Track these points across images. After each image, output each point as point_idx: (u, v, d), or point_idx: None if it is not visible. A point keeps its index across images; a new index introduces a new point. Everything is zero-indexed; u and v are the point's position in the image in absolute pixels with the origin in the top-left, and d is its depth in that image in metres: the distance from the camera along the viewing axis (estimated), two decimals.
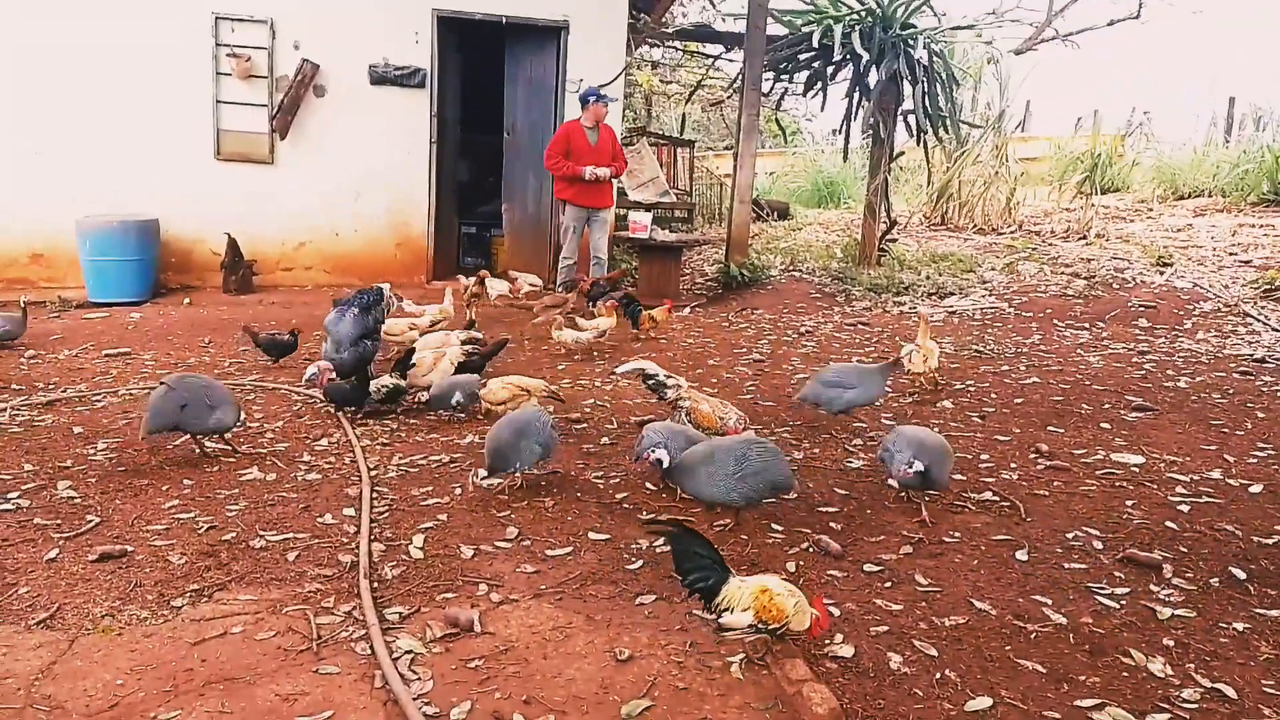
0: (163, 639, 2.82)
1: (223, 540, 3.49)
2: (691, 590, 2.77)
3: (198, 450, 4.40)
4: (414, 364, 5.20)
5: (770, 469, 3.61)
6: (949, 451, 3.87)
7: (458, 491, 4.03)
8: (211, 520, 3.67)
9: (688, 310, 8.75)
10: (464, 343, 5.68)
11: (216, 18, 8.82)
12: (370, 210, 9.54)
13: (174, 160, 8.98)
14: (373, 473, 4.23)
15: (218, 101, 9.00)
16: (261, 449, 4.53)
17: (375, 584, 3.18)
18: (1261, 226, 10.80)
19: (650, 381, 4.59)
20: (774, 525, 3.73)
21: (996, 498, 4.10)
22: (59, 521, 3.62)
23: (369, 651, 2.76)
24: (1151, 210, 12.45)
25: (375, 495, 3.97)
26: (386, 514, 3.80)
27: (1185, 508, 3.99)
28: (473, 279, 8.00)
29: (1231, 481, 4.31)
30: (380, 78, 9.24)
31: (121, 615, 2.95)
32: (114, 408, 5.11)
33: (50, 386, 5.49)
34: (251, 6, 8.88)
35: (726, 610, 2.68)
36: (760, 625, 2.65)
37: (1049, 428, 5.14)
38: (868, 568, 3.39)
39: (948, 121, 10.01)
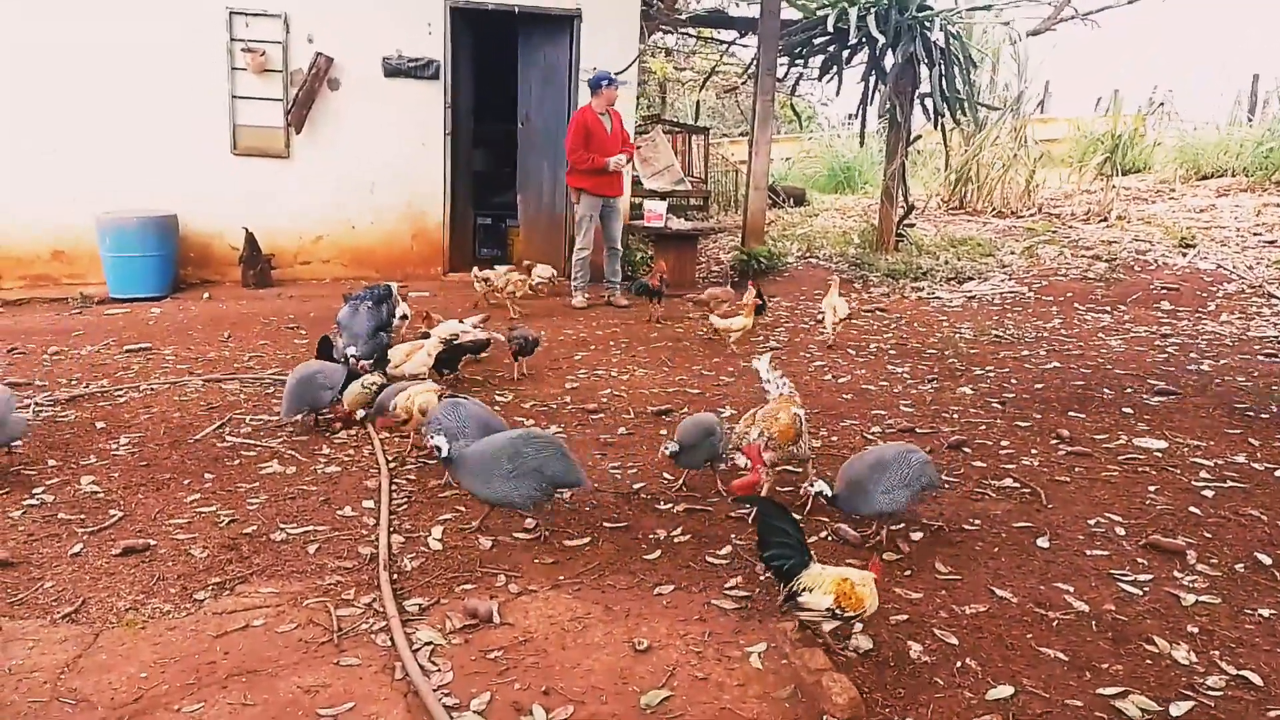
0: (185, 632, 2.85)
1: (244, 534, 3.52)
2: (769, 566, 2.74)
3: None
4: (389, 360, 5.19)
5: (549, 465, 3.40)
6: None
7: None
8: (233, 514, 3.70)
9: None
10: (445, 340, 5.48)
11: (231, 13, 8.84)
12: (386, 202, 9.55)
13: (191, 156, 9.02)
14: (391, 465, 4.24)
15: (233, 97, 9.03)
16: (281, 442, 4.55)
17: (395, 576, 3.20)
18: None
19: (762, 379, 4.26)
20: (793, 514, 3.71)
21: (1017, 484, 4.07)
22: (83, 516, 3.66)
23: (389, 643, 2.77)
24: (1174, 191, 12.29)
25: (394, 487, 3.99)
26: (405, 506, 3.81)
27: (1209, 493, 3.94)
28: (505, 276, 7.70)
29: (1256, 466, 4.26)
30: (394, 70, 9.23)
31: (145, 609, 2.99)
32: (135, 403, 5.16)
33: (73, 382, 5.55)
34: (265, 1, 8.89)
35: (806, 591, 2.66)
36: (838, 611, 2.65)
37: (1070, 413, 5.09)
38: (887, 556, 3.37)
39: (965, 104, 9.91)
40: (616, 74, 8.91)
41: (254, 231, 8.97)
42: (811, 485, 3.42)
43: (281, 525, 3.60)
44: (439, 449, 3.47)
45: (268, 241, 9.15)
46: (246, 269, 9.00)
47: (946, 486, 3.84)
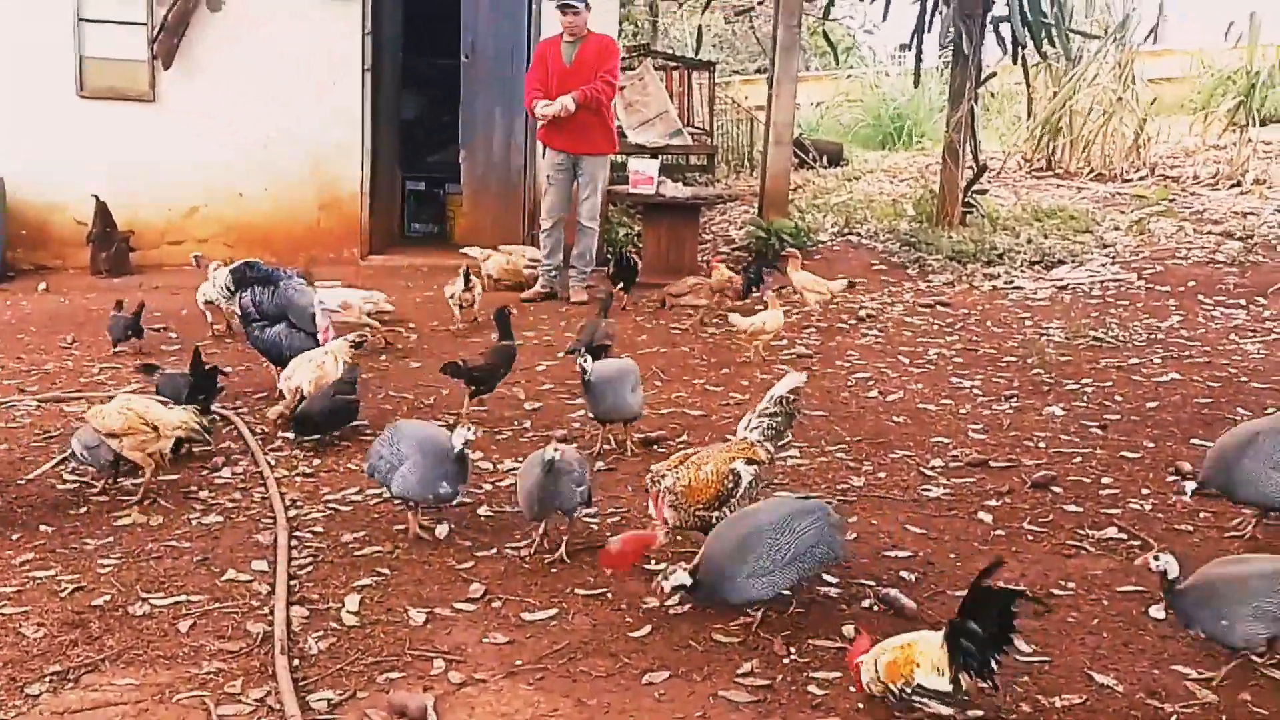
0: None
1: (93, 606, 3.49)
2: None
3: None
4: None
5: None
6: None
7: (401, 533, 4.03)
8: (78, 580, 3.67)
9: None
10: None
11: None
12: (285, 162, 9.53)
13: (22, 99, 8.98)
14: (291, 513, 4.22)
15: (79, 19, 9.00)
16: (142, 483, 4.53)
17: (296, 661, 3.18)
18: None
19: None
20: (826, 576, 3.73)
21: (1123, 536, 4.09)
22: None
23: None
24: None
25: (295, 543, 3.97)
26: (310, 568, 3.80)
27: None
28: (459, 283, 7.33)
29: None
30: None
31: None
32: None
33: None
34: None
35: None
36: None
37: (1193, 440, 5.13)
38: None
39: (1053, 31, 9.99)
40: None
41: (107, 201, 8.94)
42: (667, 578, 3.31)
43: (144, 595, 3.57)
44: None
45: (127, 215, 9.12)
46: (97, 250, 8.97)
47: (843, 561, 3.68)
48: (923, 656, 2.77)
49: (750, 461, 3.81)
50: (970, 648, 2.73)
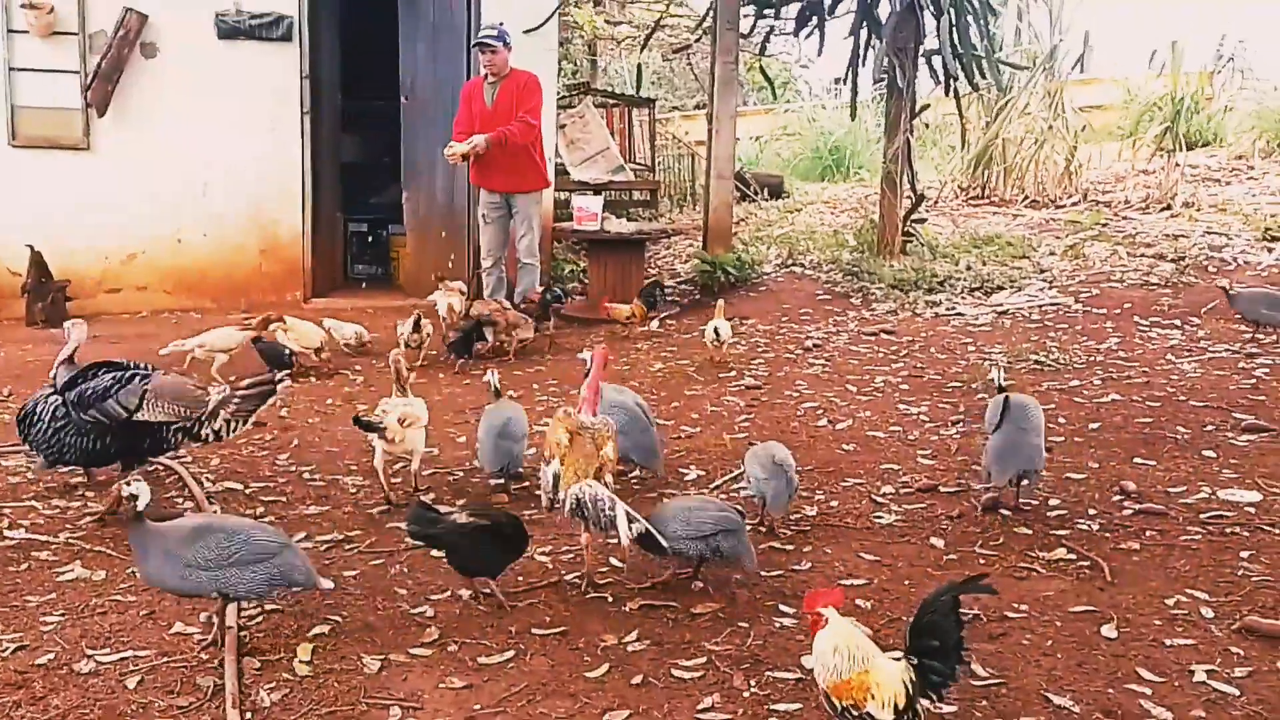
0: None
1: (36, 665, 3.41)
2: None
3: None
4: None
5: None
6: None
7: (353, 579, 3.98)
8: (20, 638, 3.58)
9: (655, 323, 8.76)
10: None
11: None
12: (224, 207, 9.45)
13: None
14: None
15: (10, 69, 8.89)
16: (84, 536, 4.44)
17: (249, 715, 3.13)
18: None
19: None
20: (782, 606, 3.74)
21: (1072, 555, 4.14)
22: None
23: None
24: (1253, 168, 12.73)
25: None
26: (260, 618, 3.74)
27: None
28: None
29: None
30: (232, 30, 9.20)
31: None
32: None
33: None
34: None
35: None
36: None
37: (1135, 459, 5.22)
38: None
39: (984, 63, 10.18)
40: (526, 30, 8.99)
41: (42, 250, 8.80)
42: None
43: (89, 651, 3.50)
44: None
45: (62, 263, 8.98)
46: (33, 301, 8.82)
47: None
48: (878, 689, 2.70)
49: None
50: (937, 665, 2.72)
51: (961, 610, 2.80)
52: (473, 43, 8.35)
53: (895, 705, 2.68)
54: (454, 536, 3.73)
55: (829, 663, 2.77)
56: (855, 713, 2.72)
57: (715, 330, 7.29)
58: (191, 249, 9.47)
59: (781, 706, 3.12)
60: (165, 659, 3.46)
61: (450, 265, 9.59)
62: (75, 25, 8.93)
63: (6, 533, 4.47)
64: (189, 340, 6.91)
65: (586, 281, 9.56)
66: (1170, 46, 13.65)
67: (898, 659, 2.79)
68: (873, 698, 2.71)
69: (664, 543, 3.69)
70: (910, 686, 2.71)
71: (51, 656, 3.47)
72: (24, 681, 3.32)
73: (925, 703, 2.76)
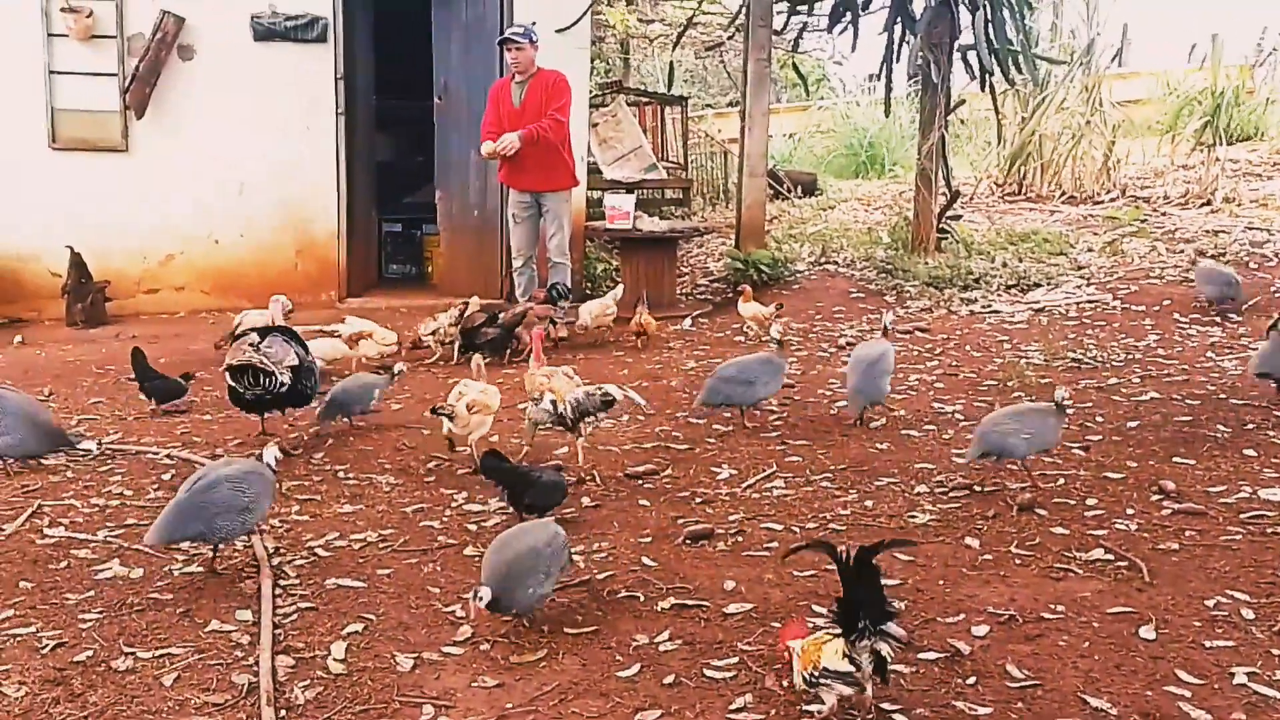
0: None
1: (75, 662, 3.45)
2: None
3: None
4: None
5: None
6: None
7: (387, 577, 4.00)
8: (59, 635, 3.63)
9: (688, 322, 8.75)
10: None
11: None
12: (260, 208, 9.54)
13: None
14: (274, 560, 4.19)
15: (51, 72, 9.01)
16: (122, 534, 4.48)
17: (283, 712, 3.15)
18: None
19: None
20: (815, 606, 3.72)
21: (1110, 556, 4.09)
22: None
23: None
24: None
25: (279, 591, 3.93)
26: (295, 616, 3.76)
27: None
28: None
29: None
30: (267, 32, 9.28)
31: None
32: None
33: None
34: None
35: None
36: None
37: (1175, 459, 5.15)
38: (943, 658, 3.37)
39: (1020, 57, 10.10)
40: (559, 30, 9.00)
41: (82, 252, 8.92)
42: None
43: (127, 649, 3.53)
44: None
45: (101, 264, 9.09)
46: (73, 301, 8.93)
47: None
48: (828, 646, 2.98)
49: None
50: (861, 615, 2.93)
51: (877, 569, 3.01)
52: (503, 39, 8.35)
53: (839, 653, 2.96)
54: (514, 477, 4.46)
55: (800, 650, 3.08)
56: (816, 672, 2.98)
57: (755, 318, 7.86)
58: (228, 249, 9.56)
59: (814, 707, 3.10)
60: (201, 657, 3.49)
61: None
62: (113, 29, 9.04)
63: (46, 531, 4.53)
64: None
65: (621, 279, 9.56)
66: (1210, 39, 13.49)
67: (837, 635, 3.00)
68: (824, 653, 2.98)
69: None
70: (848, 643, 2.96)
71: (90, 654, 3.51)
72: (63, 678, 3.36)
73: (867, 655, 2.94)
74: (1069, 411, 5.00)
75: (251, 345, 5.41)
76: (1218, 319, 7.95)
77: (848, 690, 2.97)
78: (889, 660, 2.95)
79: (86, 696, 3.26)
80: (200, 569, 4.16)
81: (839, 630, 2.98)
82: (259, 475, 4.10)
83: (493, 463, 4.49)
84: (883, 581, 3.01)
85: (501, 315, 7.56)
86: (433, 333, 7.52)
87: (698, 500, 4.83)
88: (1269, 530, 4.28)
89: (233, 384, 5.44)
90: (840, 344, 7.82)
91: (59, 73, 9.03)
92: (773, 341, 6.11)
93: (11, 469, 5.20)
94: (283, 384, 5.36)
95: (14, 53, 8.91)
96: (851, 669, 2.93)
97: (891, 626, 2.95)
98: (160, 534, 3.92)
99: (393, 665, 3.41)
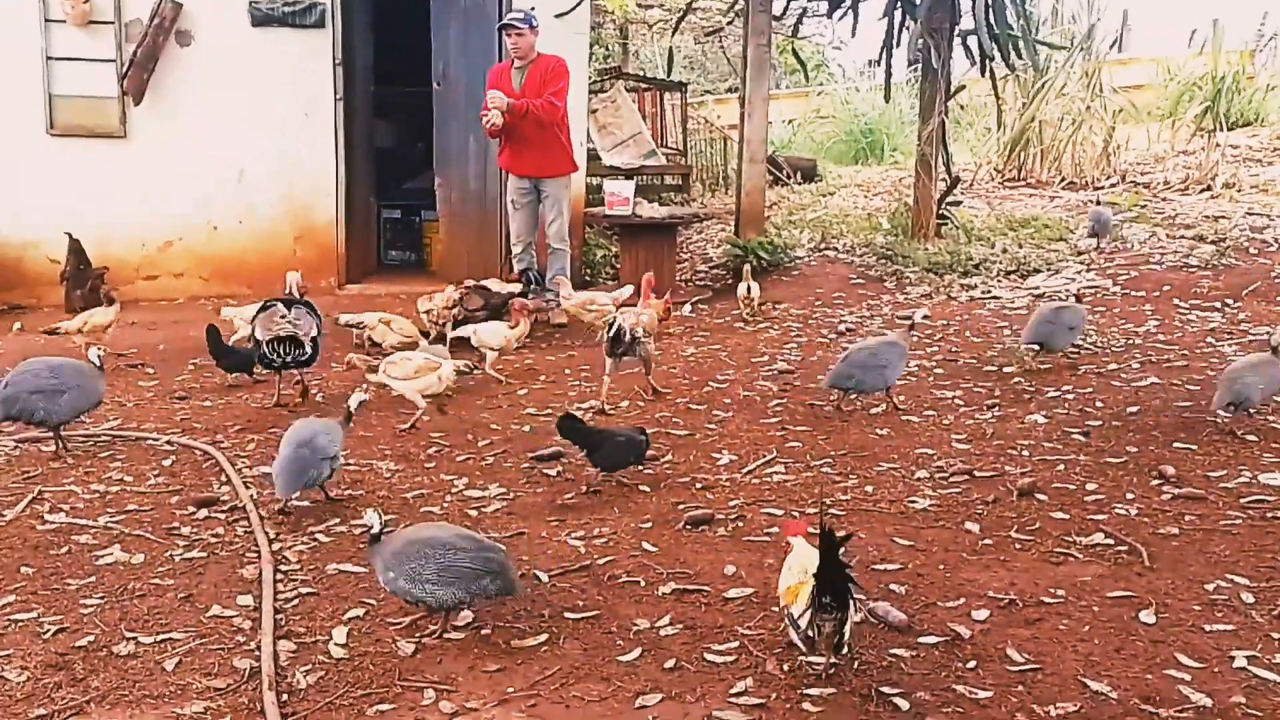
0: None
1: (77, 647, 3.46)
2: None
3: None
4: None
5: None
6: None
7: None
8: (60, 620, 3.63)
9: (688, 308, 8.75)
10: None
11: None
12: (259, 194, 9.53)
13: None
14: (275, 546, 4.19)
15: (48, 58, 8.98)
16: (123, 520, 4.49)
17: (285, 696, 3.15)
18: None
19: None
20: None
21: (1110, 540, 4.10)
22: None
23: None
24: None
25: (280, 576, 3.94)
26: (296, 601, 3.77)
27: None
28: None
29: None
30: (265, 17, 9.24)
31: None
32: None
33: None
34: None
35: None
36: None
37: (1175, 444, 5.15)
38: (943, 642, 3.38)
39: (1020, 43, 10.07)
40: (557, 15, 8.97)
41: (81, 238, 8.90)
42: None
43: (128, 634, 3.54)
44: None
45: (100, 251, 9.08)
46: (72, 288, 8.92)
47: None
48: (801, 597, 3.14)
49: None
50: (824, 598, 3.04)
51: (844, 558, 3.04)
52: (504, 23, 8.32)
53: (805, 609, 3.12)
54: (589, 437, 4.74)
55: (786, 573, 3.31)
56: (787, 612, 3.21)
57: (748, 289, 8.12)
58: (227, 236, 9.55)
59: (814, 691, 3.11)
60: (202, 641, 3.50)
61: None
62: (111, 14, 9.01)
63: (47, 517, 4.54)
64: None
65: (620, 265, 9.56)
66: (1211, 25, 13.46)
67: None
68: (795, 602, 3.16)
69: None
70: (812, 600, 3.08)
71: (91, 639, 3.51)
72: (65, 663, 3.37)
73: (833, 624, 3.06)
74: None
75: (283, 317, 6.00)
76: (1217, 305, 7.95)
77: (800, 644, 3.17)
78: (846, 639, 3.09)
79: (88, 681, 3.27)
80: (202, 554, 4.17)
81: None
82: (338, 428, 4.66)
83: (569, 424, 4.71)
84: (848, 571, 3.04)
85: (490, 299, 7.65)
86: (426, 312, 7.53)
87: (698, 486, 4.83)
88: (1269, 515, 4.29)
89: (268, 354, 6.00)
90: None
91: (56, 58, 9.00)
92: (910, 324, 6.11)
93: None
94: (306, 354, 6.04)
95: (11, 38, 8.89)
96: (812, 635, 3.10)
97: (852, 610, 3.08)
98: (286, 488, 4.43)
99: (394, 650, 3.42)
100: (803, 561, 3.23)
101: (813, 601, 3.04)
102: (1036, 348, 6.41)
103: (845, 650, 3.14)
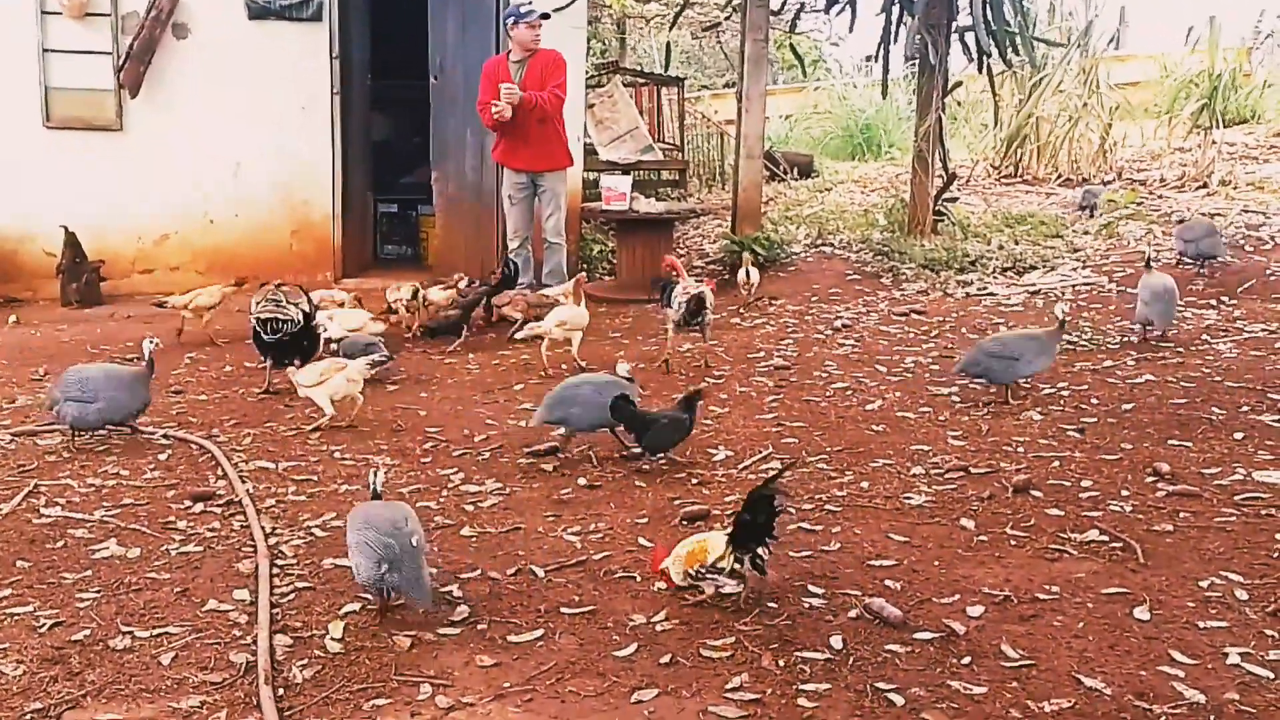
0: None
1: (73, 641, 3.45)
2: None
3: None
4: None
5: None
6: None
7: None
8: (56, 614, 3.63)
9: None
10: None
11: None
12: (255, 188, 9.51)
13: None
14: (271, 541, 4.19)
15: (44, 50, 8.96)
16: (119, 514, 4.48)
17: (281, 691, 3.16)
18: None
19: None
20: (811, 586, 3.73)
21: (1105, 537, 4.11)
22: None
23: None
24: None
25: (277, 570, 3.94)
26: (293, 595, 3.77)
27: None
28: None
29: None
30: (262, 10, 9.23)
31: None
32: None
33: None
34: None
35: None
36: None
37: (1170, 441, 5.17)
38: (938, 638, 3.39)
39: (1018, 39, 10.07)
40: (555, 10, 8.95)
41: (76, 231, 8.89)
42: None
43: (124, 628, 3.54)
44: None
45: (96, 244, 9.07)
46: (68, 281, 8.91)
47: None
48: (714, 547, 3.53)
49: None
50: (745, 536, 3.51)
51: (774, 500, 3.51)
52: (520, 15, 8.22)
53: (723, 556, 3.52)
54: (638, 420, 4.93)
55: (677, 556, 3.61)
56: (703, 569, 3.53)
57: (747, 274, 8.32)
58: (223, 229, 9.54)
59: (810, 686, 3.12)
60: (198, 636, 3.49)
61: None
62: (107, 6, 8.99)
63: (43, 510, 4.53)
64: None
65: (616, 261, 9.56)
66: (1208, 22, 13.46)
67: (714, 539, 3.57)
68: (709, 553, 3.54)
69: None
70: (729, 542, 3.53)
71: (87, 633, 3.51)
72: (60, 657, 3.37)
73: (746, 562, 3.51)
74: None
75: (272, 299, 6.26)
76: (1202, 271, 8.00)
77: (731, 583, 3.54)
78: (764, 559, 3.53)
79: (84, 675, 3.27)
80: (198, 548, 4.17)
81: (721, 536, 3.56)
82: (615, 384, 5.04)
83: (621, 405, 4.89)
84: (774, 511, 3.50)
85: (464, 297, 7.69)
86: (395, 301, 7.61)
87: (694, 481, 4.84)
88: (1263, 512, 4.30)
89: (259, 330, 6.22)
90: (836, 325, 7.81)
91: (53, 51, 8.99)
92: (1058, 319, 5.97)
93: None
94: (296, 323, 6.20)
95: (7, 31, 8.87)
96: (737, 566, 3.50)
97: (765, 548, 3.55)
98: (540, 417, 5.06)
99: (390, 644, 3.42)
100: (685, 548, 3.61)
101: (729, 543, 3.49)
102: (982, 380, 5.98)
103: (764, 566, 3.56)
